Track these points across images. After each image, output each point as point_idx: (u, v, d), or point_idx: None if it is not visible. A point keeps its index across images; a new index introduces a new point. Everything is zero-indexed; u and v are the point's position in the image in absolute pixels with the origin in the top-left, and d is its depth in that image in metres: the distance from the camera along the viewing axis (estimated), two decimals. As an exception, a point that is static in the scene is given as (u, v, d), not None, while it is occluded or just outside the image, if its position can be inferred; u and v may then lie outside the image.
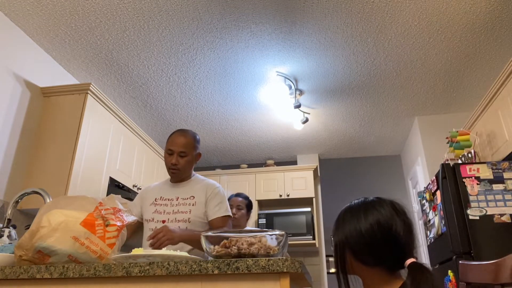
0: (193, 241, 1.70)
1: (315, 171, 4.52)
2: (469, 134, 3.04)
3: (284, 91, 3.37)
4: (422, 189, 3.37)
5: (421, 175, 3.93)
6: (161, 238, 1.60)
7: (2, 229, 1.52)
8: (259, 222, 4.24)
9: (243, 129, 4.20)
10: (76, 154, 2.55)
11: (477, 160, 2.86)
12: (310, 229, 4.12)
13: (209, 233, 1.12)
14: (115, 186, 2.94)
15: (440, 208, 2.70)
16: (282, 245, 1.06)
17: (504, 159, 2.67)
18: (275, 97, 3.52)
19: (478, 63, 3.05)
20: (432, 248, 2.99)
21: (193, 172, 2.01)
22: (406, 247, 1.00)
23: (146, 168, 3.51)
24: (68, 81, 3.12)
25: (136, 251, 1.07)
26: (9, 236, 1.51)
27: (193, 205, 1.85)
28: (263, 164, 4.86)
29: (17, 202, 1.60)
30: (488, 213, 2.40)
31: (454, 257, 2.41)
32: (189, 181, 1.96)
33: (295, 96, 3.42)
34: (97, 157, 2.77)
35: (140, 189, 3.25)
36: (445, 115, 3.88)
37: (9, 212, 1.58)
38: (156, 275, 0.96)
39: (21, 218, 2.48)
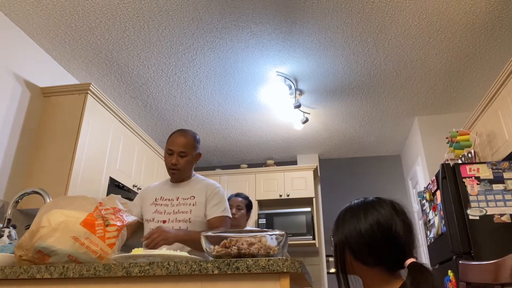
0: (188, 241, 1.70)
1: (315, 171, 4.52)
2: (469, 134, 3.04)
3: (284, 91, 3.37)
4: (422, 189, 3.37)
5: (421, 175, 3.93)
6: (156, 239, 1.60)
7: (2, 229, 1.52)
8: (259, 222, 4.24)
9: (243, 129, 4.20)
10: (76, 154, 2.55)
11: (477, 160, 2.86)
12: (310, 229, 4.12)
13: (209, 233, 1.11)
14: (115, 186, 2.94)
15: (440, 208, 2.70)
16: (282, 245, 1.06)
17: (504, 159, 2.67)
18: (275, 97, 3.52)
19: (478, 63, 3.05)
20: (432, 248, 2.99)
21: (193, 172, 2.01)
22: (406, 247, 1.00)
23: (146, 168, 3.51)
24: (68, 81, 3.12)
25: (136, 251, 1.07)
26: (9, 236, 1.51)
27: (193, 205, 1.85)
28: (263, 164, 4.86)
29: (17, 202, 1.60)
30: (488, 213, 2.40)
31: (454, 257, 2.41)
32: (189, 181, 1.96)
33: (295, 96, 3.42)
34: (97, 157, 2.77)
35: (140, 189, 3.25)
36: (445, 115, 3.88)
37: (9, 212, 1.58)
38: (156, 275, 0.96)
39: (21, 218, 2.49)
